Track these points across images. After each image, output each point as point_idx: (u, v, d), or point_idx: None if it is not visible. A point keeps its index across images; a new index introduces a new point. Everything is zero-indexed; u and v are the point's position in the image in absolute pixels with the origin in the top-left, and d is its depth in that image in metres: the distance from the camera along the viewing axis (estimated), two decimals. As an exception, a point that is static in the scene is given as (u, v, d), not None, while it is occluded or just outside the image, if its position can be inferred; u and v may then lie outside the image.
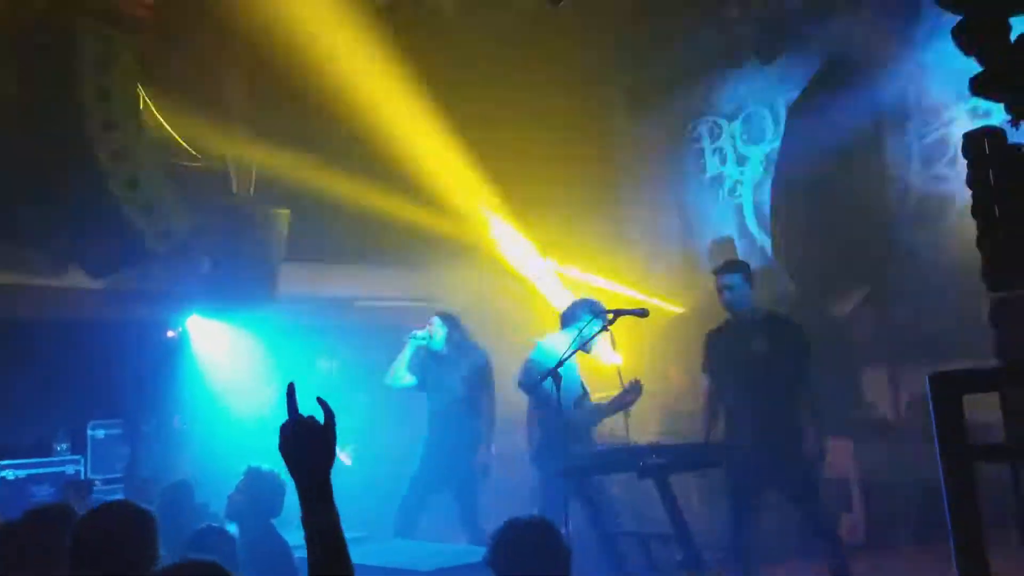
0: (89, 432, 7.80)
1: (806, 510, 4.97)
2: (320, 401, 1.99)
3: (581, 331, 5.15)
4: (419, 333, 6.71)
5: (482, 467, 6.48)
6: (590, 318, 5.47)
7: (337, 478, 1.98)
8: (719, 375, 5.33)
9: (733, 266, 5.42)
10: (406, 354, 6.74)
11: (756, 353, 5.03)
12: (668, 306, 8.73)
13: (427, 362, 6.79)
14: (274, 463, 4.69)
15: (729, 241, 9.34)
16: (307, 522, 1.90)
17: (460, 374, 6.64)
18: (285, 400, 1.98)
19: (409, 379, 6.76)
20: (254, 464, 4.73)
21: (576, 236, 9.31)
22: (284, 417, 1.98)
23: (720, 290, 5.27)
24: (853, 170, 8.05)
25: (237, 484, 4.61)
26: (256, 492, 4.51)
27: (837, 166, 8.04)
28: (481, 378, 6.61)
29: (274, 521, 4.51)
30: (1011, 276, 3.88)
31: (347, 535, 1.95)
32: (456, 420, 6.57)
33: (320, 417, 1.98)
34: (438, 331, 6.71)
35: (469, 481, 6.53)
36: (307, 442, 1.92)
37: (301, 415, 1.95)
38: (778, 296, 7.88)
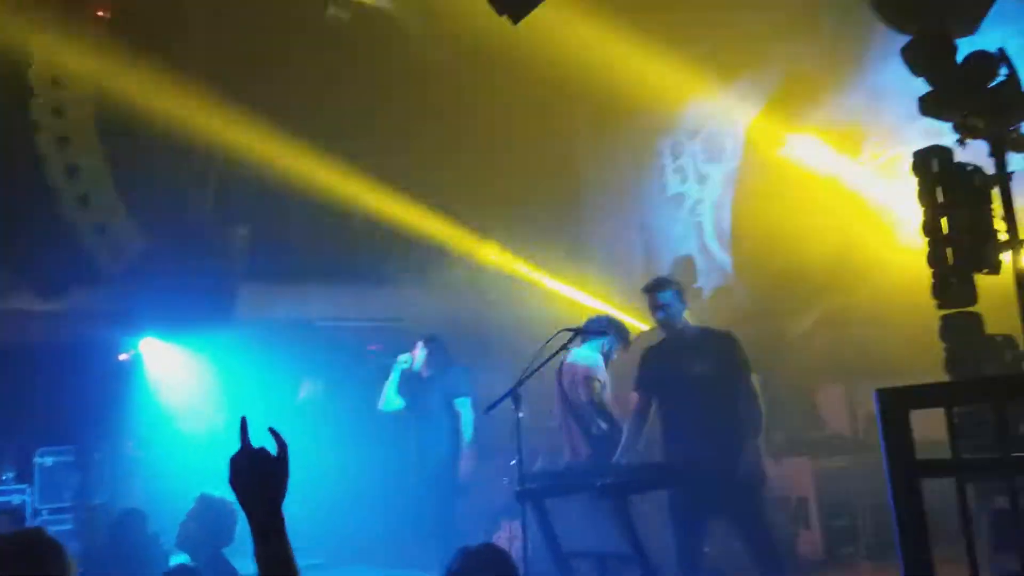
0: (37, 460, 7.59)
1: (747, 533, 4.84)
2: (272, 432, 1.94)
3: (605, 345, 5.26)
4: (402, 357, 6.99)
5: (465, 479, 6.65)
6: (614, 337, 5.94)
7: (295, 504, 1.95)
8: (656, 395, 5.23)
9: (665, 284, 5.23)
10: (393, 378, 7.01)
11: (694, 374, 4.92)
12: (633, 322, 8.72)
13: (413, 384, 7.05)
14: (226, 490, 4.59)
15: (689, 259, 9.39)
16: (260, 556, 1.86)
17: (440, 394, 6.85)
18: (238, 433, 1.92)
19: (398, 402, 7.03)
20: (206, 491, 4.63)
21: (540, 252, 9.32)
22: (235, 448, 1.93)
23: (654, 309, 5.17)
24: (809, 189, 8.13)
25: (188, 512, 4.50)
26: (207, 520, 4.39)
27: (794, 185, 8.13)
28: (458, 396, 6.81)
29: (224, 551, 4.40)
30: (960, 293, 3.93)
31: (304, 562, 1.90)
32: (435, 438, 6.78)
33: (272, 448, 1.93)
34: (419, 354, 6.98)
35: (445, 498, 6.69)
36: (259, 475, 1.88)
37: (252, 447, 1.90)
38: (736, 313, 7.91)
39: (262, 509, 1.86)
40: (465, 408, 6.73)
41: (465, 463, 6.63)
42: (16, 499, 7.20)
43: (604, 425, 5.79)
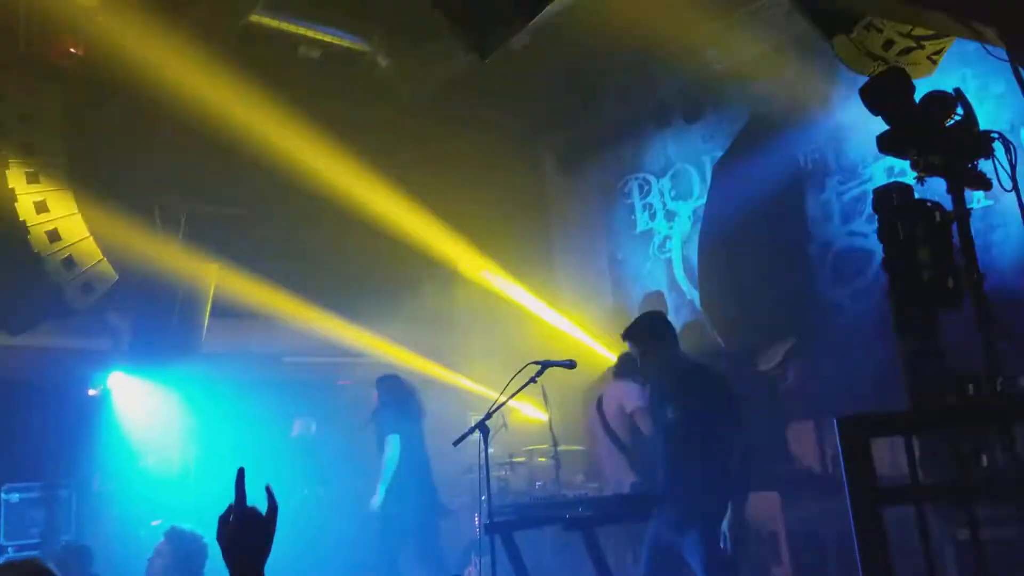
0: (3, 496, 7.48)
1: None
2: (268, 491, 1.92)
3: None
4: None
5: (374, 511, 6.97)
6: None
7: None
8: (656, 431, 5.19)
9: (627, 337, 5.11)
10: None
11: (669, 420, 4.84)
12: (605, 352, 8.79)
13: None
14: (196, 523, 4.57)
15: (659, 295, 9.47)
16: None
17: (377, 432, 7.28)
18: (234, 487, 1.91)
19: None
20: (176, 524, 4.59)
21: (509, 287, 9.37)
22: (204, 486, 1.91)
23: (635, 356, 5.11)
24: (776, 226, 8.26)
25: (156, 546, 4.44)
26: (177, 554, 4.34)
27: (760, 222, 8.25)
28: (386, 434, 7.18)
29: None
30: (921, 326, 4.00)
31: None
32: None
33: (261, 506, 1.92)
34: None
35: (396, 536, 6.98)
36: (247, 535, 1.87)
37: (244, 506, 1.89)
38: (706, 349, 7.98)
39: (244, 567, 1.84)
40: (391, 445, 7.01)
41: (374, 498, 6.90)
42: (-19, 535, 7.09)
43: None
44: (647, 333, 5.05)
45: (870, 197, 7.78)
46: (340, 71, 9.00)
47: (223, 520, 1.87)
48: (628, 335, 5.10)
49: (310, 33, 8.50)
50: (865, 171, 7.87)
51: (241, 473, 1.93)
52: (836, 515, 6.57)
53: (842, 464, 2.37)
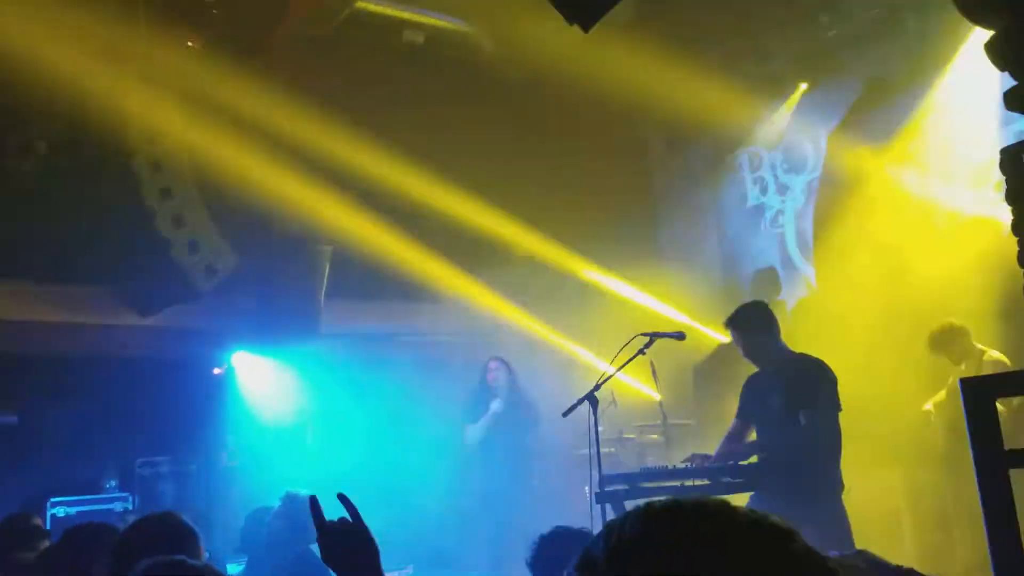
0: (137, 469, 7.91)
1: None
2: (341, 499, 1.98)
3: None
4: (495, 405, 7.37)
5: None
6: None
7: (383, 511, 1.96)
8: (751, 423, 5.01)
9: (729, 324, 4.91)
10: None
11: (771, 409, 4.69)
12: (713, 333, 8.63)
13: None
14: (311, 490, 4.74)
15: (771, 271, 9.25)
16: None
17: None
18: (311, 512, 1.96)
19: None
20: (291, 489, 4.77)
21: (614, 268, 9.30)
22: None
23: (735, 343, 4.95)
24: (895, 196, 7.96)
25: (274, 511, 4.63)
26: (294, 517, 4.50)
27: (879, 192, 7.97)
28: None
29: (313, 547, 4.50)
30: (1053, 290, 3.79)
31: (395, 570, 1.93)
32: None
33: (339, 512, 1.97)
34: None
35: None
36: (349, 547, 1.91)
37: (332, 524, 1.93)
38: (822, 325, 7.75)
39: (363, 573, 1.88)
40: None
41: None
42: (119, 506, 7.51)
43: None
44: (748, 323, 4.87)
45: (997, 163, 7.39)
46: (444, 55, 9.09)
47: (321, 545, 1.90)
48: (730, 323, 4.95)
49: (414, 17, 8.61)
50: (992, 136, 7.48)
51: (314, 501, 1.97)
52: (962, 492, 6.34)
53: (967, 427, 2.27)
